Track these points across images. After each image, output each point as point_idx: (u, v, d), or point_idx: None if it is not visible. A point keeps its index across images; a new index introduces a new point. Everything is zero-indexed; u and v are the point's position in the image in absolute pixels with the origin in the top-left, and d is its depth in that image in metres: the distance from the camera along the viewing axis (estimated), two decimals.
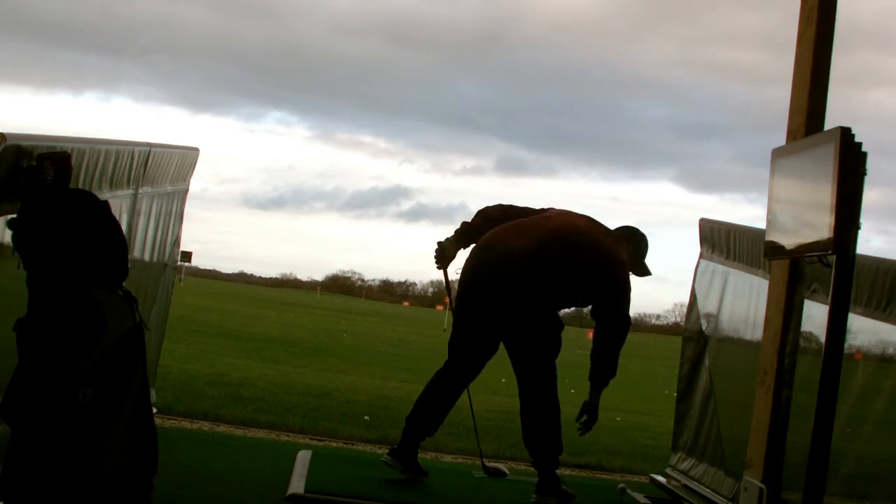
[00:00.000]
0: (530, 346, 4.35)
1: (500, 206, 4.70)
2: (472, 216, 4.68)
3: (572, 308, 4.61)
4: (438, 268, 4.61)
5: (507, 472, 4.83)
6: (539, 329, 4.34)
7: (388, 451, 4.61)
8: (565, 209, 4.66)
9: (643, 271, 4.67)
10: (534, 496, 4.34)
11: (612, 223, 4.63)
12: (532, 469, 4.55)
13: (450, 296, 4.68)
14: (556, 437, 4.35)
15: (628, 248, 4.55)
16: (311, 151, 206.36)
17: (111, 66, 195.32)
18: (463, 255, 4.63)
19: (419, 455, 4.62)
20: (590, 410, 4.40)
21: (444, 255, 4.58)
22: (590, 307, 4.48)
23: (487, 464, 4.83)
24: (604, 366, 4.36)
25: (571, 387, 6.52)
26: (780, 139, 4.16)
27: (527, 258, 4.26)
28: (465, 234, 4.62)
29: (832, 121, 4.02)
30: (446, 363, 4.58)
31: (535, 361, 4.35)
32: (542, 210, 4.67)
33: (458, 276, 4.55)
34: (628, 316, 4.41)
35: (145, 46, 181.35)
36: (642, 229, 4.69)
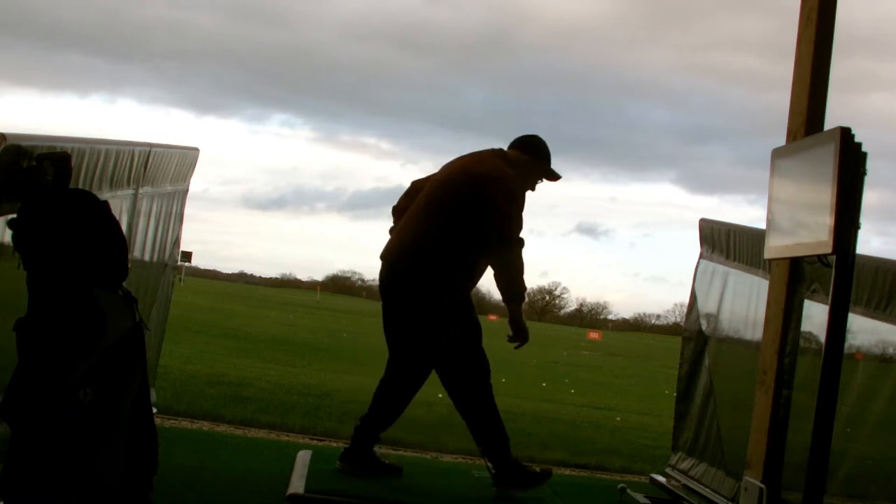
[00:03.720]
0: None
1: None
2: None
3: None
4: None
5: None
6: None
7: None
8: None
9: (552, 176, 4.56)
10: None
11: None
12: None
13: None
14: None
15: (522, 159, 4.44)
16: (315, 153, 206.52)
17: (117, 69, 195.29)
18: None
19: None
20: (513, 325, 4.41)
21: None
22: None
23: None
24: (505, 284, 4.33)
25: (571, 387, 6.52)
26: (780, 142, 4.16)
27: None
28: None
29: (831, 123, 4.02)
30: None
31: None
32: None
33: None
34: (510, 233, 4.27)
35: (152, 50, 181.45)
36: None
